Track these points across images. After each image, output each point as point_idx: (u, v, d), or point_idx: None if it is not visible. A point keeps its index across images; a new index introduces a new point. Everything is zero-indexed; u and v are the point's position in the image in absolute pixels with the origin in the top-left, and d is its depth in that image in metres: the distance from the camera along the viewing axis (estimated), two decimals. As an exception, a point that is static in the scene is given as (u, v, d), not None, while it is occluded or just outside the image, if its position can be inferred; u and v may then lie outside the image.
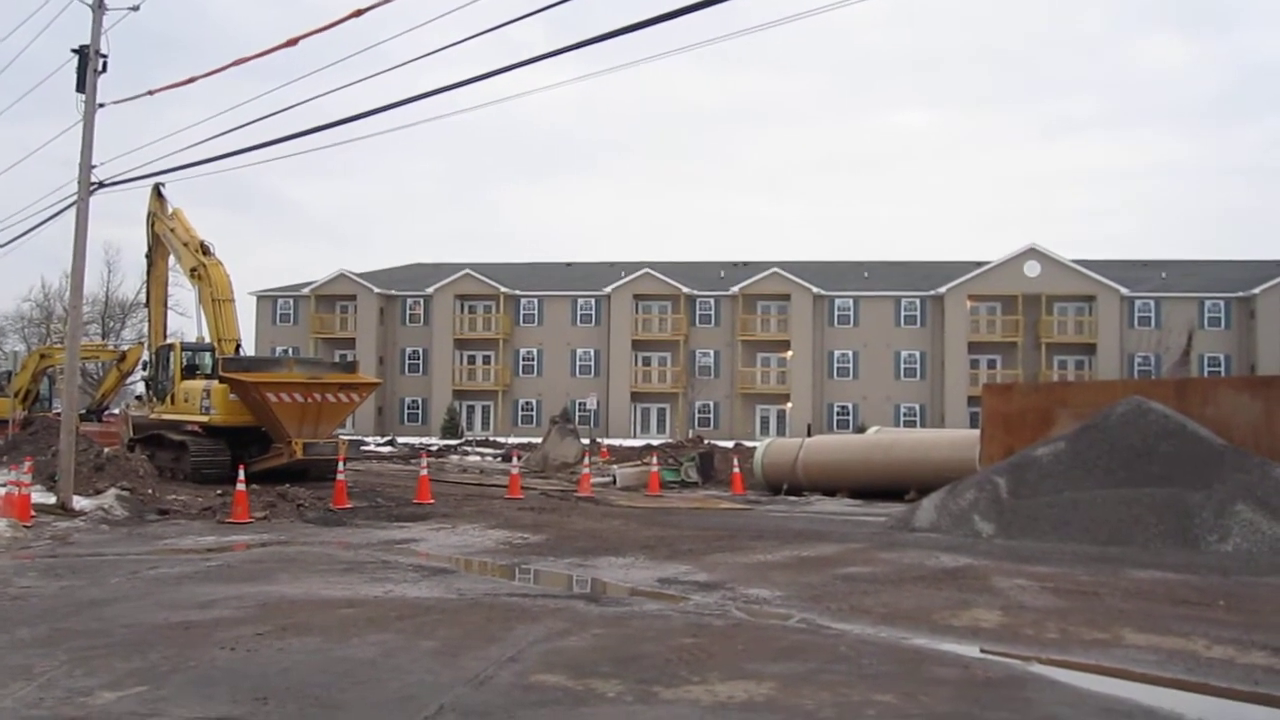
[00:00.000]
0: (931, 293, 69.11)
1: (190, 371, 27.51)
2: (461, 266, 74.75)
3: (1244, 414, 17.04)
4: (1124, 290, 67.38)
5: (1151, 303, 67.78)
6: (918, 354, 69.92)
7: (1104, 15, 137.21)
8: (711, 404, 71.03)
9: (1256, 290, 66.06)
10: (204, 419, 25.35)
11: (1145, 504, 14.88)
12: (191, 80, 18.52)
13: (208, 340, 27.16)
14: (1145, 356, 64.69)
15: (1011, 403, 20.55)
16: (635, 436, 65.45)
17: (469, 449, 48.99)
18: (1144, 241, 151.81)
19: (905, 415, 68.54)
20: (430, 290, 73.93)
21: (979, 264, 69.82)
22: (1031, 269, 67.96)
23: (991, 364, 68.36)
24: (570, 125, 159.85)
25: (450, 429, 67.52)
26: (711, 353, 71.68)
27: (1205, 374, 60.37)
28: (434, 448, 49.14)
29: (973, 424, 51.92)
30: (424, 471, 23.33)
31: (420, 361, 74.96)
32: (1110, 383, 26.68)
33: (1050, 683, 7.36)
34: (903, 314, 70.22)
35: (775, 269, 70.60)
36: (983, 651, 8.35)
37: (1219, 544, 13.90)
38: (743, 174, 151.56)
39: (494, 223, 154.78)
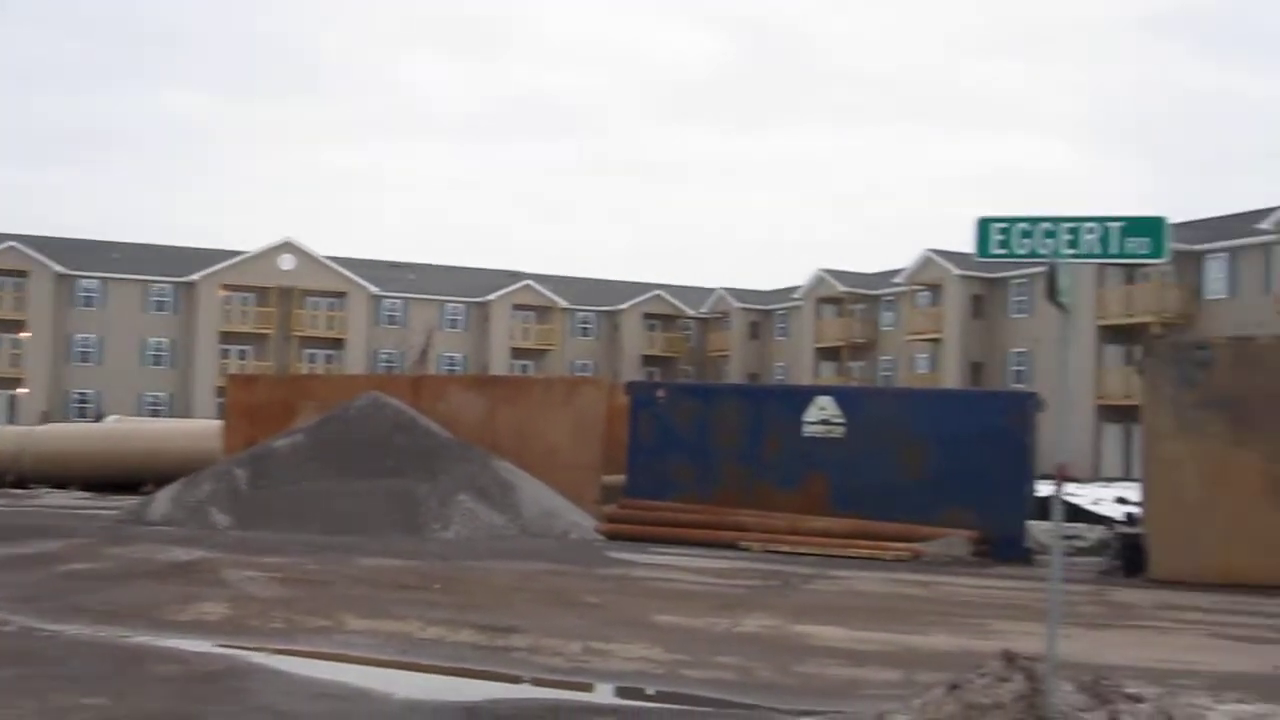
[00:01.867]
0: (184, 279, 67.27)
1: None
2: None
3: (471, 410, 18.48)
4: (374, 289, 70.02)
5: (400, 303, 71.11)
6: (168, 342, 67.71)
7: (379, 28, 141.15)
8: (-73, 388, 63.87)
9: (492, 296, 71.76)
10: None
11: (379, 495, 15.64)
12: None
13: None
14: (391, 354, 67.68)
15: (256, 394, 20.75)
16: None
17: None
18: (400, 245, 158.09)
19: (152, 405, 65.93)
20: None
21: (235, 253, 69.09)
22: (287, 262, 68.49)
23: (243, 355, 67.90)
24: None
25: None
26: (-71, 331, 64.47)
27: (443, 372, 64.39)
28: None
29: (221, 415, 51.32)
30: None
31: None
32: (353, 377, 27.75)
33: (272, 672, 7.50)
34: (153, 299, 67.67)
35: (13, 243, 64.76)
36: (211, 646, 8.33)
37: (442, 531, 14.96)
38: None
39: None
